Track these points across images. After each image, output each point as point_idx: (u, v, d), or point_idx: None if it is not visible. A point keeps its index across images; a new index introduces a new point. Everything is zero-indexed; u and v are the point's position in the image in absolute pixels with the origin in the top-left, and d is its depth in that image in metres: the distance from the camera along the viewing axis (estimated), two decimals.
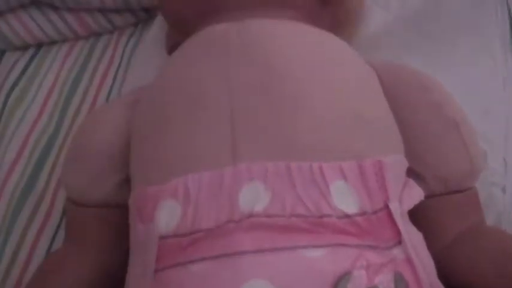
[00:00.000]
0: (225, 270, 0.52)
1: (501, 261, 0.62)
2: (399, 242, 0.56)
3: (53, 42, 1.15)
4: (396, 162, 0.62)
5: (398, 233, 0.57)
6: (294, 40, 0.69)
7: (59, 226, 0.87)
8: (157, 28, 1.04)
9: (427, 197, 0.64)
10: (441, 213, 0.68)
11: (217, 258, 0.53)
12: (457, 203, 0.69)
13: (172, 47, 0.84)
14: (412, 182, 0.63)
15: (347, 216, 0.55)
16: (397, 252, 0.56)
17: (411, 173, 0.65)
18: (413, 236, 0.59)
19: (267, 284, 0.50)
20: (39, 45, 1.15)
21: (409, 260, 0.55)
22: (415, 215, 0.62)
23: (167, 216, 0.57)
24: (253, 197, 0.55)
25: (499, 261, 0.63)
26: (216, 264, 0.53)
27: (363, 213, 0.56)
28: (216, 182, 0.57)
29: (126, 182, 0.70)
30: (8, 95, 1.05)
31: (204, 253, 0.54)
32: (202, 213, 0.56)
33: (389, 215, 0.57)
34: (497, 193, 0.79)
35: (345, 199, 0.56)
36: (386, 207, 0.57)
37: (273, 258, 0.52)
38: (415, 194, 0.62)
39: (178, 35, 0.80)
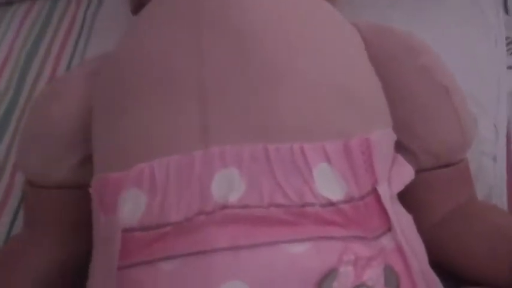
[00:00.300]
0: (197, 270, 0.48)
1: (493, 242, 0.60)
2: (388, 229, 0.52)
3: (9, 3, 1.09)
4: (385, 138, 0.57)
5: (387, 219, 0.52)
6: (272, 4, 0.62)
7: (18, 208, 0.82)
8: None
9: (415, 172, 0.59)
10: (431, 190, 0.64)
11: (188, 257, 0.48)
12: (448, 177, 0.65)
13: (137, 6, 0.78)
14: (401, 159, 0.59)
15: (331, 203, 0.51)
16: (386, 241, 0.52)
17: (398, 145, 0.61)
18: (402, 220, 0.55)
19: (244, 286, 0.46)
20: None
21: (399, 249, 0.52)
22: (403, 192, 0.57)
23: (131, 206, 0.52)
24: (227, 185, 0.51)
25: (490, 242, 0.60)
26: (187, 264, 0.48)
27: (349, 200, 0.51)
28: (185, 168, 0.52)
29: (88, 160, 0.65)
30: None
31: (172, 250, 0.49)
32: (171, 204, 0.51)
33: (378, 199, 0.53)
34: (488, 163, 0.76)
35: (329, 184, 0.51)
36: (375, 190, 0.53)
37: (250, 256, 0.48)
38: (405, 173, 0.58)
39: None
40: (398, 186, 0.56)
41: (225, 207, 0.49)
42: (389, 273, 0.49)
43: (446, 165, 0.64)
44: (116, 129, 0.59)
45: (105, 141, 0.60)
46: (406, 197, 0.58)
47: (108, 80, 0.64)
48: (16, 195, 0.82)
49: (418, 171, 0.61)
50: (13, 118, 0.91)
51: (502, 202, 0.73)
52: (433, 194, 0.64)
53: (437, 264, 0.56)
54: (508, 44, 0.87)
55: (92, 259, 0.57)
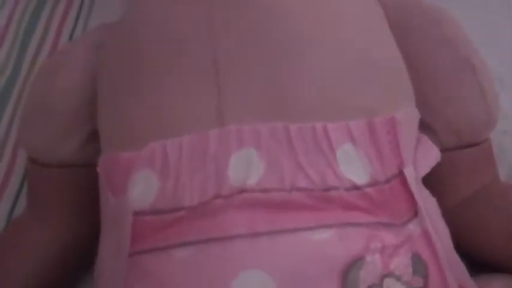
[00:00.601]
0: (214, 259, 0.45)
1: None
2: (415, 214, 0.50)
3: None
4: (410, 117, 0.55)
5: (413, 203, 0.50)
6: None
7: (20, 188, 0.80)
8: None
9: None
10: (453, 170, 0.62)
11: (204, 244, 0.46)
12: (471, 158, 0.63)
13: None
14: (426, 140, 0.56)
15: (356, 187, 0.48)
16: (413, 227, 0.49)
17: (419, 124, 0.59)
18: (428, 205, 0.52)
19: (264, 275, 0.44)
20: None
21: (426, 235, 0.49)
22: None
23: (143, 188, 0.50)
24: (245, 167, 0.48)
25: None
26: (202, 252, 0.46)
27: (374, 183, 0.49)
28: (199, 148, 0.49)
29: (94, 138, 0.63)
30: None
31: (187, 236, 0.47)
32: (184, 187, 0.48)
33: (404, 182, 0.50)
34: (509, 143, 0.74)
35: (354, 166, 0.49)
36: (401, 173, 0.50)
37: (271, 243, 0.45)
38: (431, 155, 0.56)
39: None
40: (424, 169, 0.54)
41: (243, 190, 0.47)
42: (418, 262, 0.47)
43: (470, 145, 0.62)
44: (126, 106, 0.56)
45: (114, 119, 0.58)
46: (427, 178, 0.55)
47: (114, 54, 0.61)
48: (18, 174, 0.81)
49: (441, 151, 0.58)
50: (13, 93, 0.89)
51: None
52: (456, 175, 0.62)
53: (458, 247, 0.54)
54: None
55: (100, 242, 0.54)
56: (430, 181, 0.55)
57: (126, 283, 0.48)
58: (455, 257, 0.51)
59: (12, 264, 0.64)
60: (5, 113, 0.86)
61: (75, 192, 0.66)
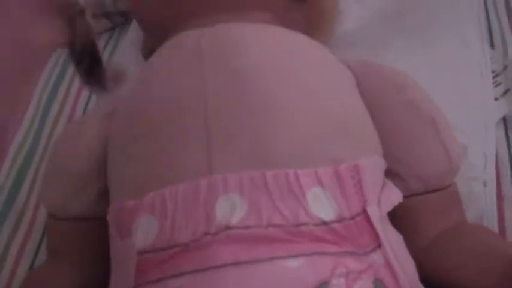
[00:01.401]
0: (202, 284, 0.52)
1: (485, 262, 0.62)
2: (378, 246, 0.56)
3: None
4: (374, 164, 0.62)
5: (377, 237, 0.56)
6: (267, 44, 0.68)
7: (41, 241, 0.86)
8: (134, 32, 1.05)
9: (406, 196, 0.64)
10: (421, 213, 0.67)
11: (196, 273, 0.52)
12: (437, 201, 0.68)
13: (147, 53, 0.84)
14: (390, 184, 0.63)
15: (324, 223, 0.55)
16: (376, 257, 0.55)
17: (389, 172, 0.65)
18: (392, 239, 0.58)
19: None
20: None
21: (388, 264, 0.55)
22: (395, 215, 0.61)
23: (145, 231, 0.57)
24: (230, 209, 0.55)
25: (483, 261, 0.63)
26: (194, 279, 0.52)
27: (340, 220, 0.55)
28: (191, 194, 0.56)
29: (105, 194, 0.70)
30: None
31: (181, 268, 0.53)
32: (180, 227, 0.55)
33: (368, 219, 0.56)
34: (478, 188, 0.79)
35: (322, 206, 0.55)
36: (364, 211, 0.57)
37: (252, 270, 0.52)
38: (394, 196, 0.62)
39: (152, 41, 0.80)
40: (387, 207, 0.60)
41: (228, 227, 0.54)
42: (379, 286, 0.53)
43: (436, 190, 0.68)
44: (129, 161, 0.64)
45: (120, 173, 0.65)
46: (398, 222, 0.62)
47: (122, 120, 0.69)
48: (39, 228, 0.87)
49: (409, 196, 0.65)
50: (36, 156, 0.96)
51: (493, 226, 0.76)
52: (424, 216, 0.67)
53: (429, 283, 0.59)
54: (494, 77, 0.91)
55: (110, 281, 0.61)
56: (401, 225, 0.62)
57: None
58: (420, 286, 0.57)
59: None
60: (27, 176, 0.94)
61: (89, 242, 0.72)
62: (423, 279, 0.59)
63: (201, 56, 0.66)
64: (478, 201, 0.78)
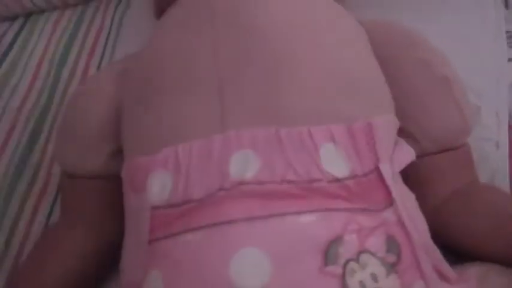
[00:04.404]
0: (217, 240, 0.52)
1: (495, 222, 0.63)
2: (391, 204, 0.56)
3: (41, 11, 1.14)
4: (387, 123, 0.62)
5: (389, 194, 0.56)
6: (283, 2, 0.68)
7: (56, 198, 0.87)
8: None
9: (419, 156, 0.64)
10: (433, 172, 0.68)
11: (209, 228, 0.53)
12: (450, 161, 0.68)
13: (159, 11, 0.84)
14: (403, 142, 0.63)
15: (337, 179, 0.55)
16: (388, 214, 0.56)
17: (402, 131, 0.65)
18: (405, 197, 0.59)
19: (259, 252, 0.51)
20: (27, 15, 1.14)
21: (400, 222, 0.55)
22: (408, 175, 0.61)
23: (159, 186, 0.57)
24: (243, 165, 0.55)
25: (493, 222, 0.63)
26: (208, 234, 0.53)
27: (353, 176, 0.56)
28: (205, 151, 0.57)
29: (119, 152, 0.71)
30: None
31: (195, 223, 0.54)
32: (194, 183, 0.56)
33: (380, 176, 0.57)
34: (491, 149, 0.79)
35: (334, 162, 0.56)
36: (377, 169, 0.57)
37: (264, 225, 0.52)
38: (407, 154, 0.62)
39: (163, 1, 0.80)
40: (400, 166, 0.60)
41: (241, 183, 0.54)
42: (391, 242, 0.53)
43: (448, 150, 0.68)
44: (143, 119, 0.64)
45: (134, 131, 0.66)
46: (411, 180, 0.62)
47: (135, 77, 0.70)
48: (54, 185, 0.88)
49: (421, 156, 0.65)
50: (49, 114, 0.97)
51: (504, 186, 0.75)
52: (436, 176, 0.68)
53: (439, 241, 0.59)
54: (508, 38, 0.90)
55: (124, 237, 0.62)
56: (413, 184, 0.62)
57: (147, 265, 0.55)
58: (431, 244, 0.58)
59: (51, 264, 0.70)
60: (42, 135, 0.94)
61: (101, 200, 0.73)
62: (433, 238, 0.59)
63: (213, 13, 0.66)
64: (490, 162, 0.78)
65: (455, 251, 0.64)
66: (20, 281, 0.71)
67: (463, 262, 0.63)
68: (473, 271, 0.61)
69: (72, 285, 0.70)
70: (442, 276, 0.57)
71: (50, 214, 0.85)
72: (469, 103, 0.70)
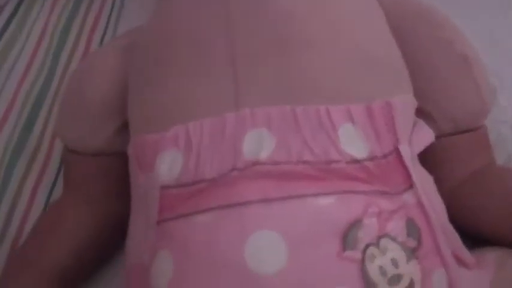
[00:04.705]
0: (230, 221, 0.50)
1: (508, 205, 0.62)
2: (410, 186, 0.55)
3: None
4: (405, 103, 0.60)
5: (408, 177, 0.55)
6: None
7: (57, 175, 0.85)
8: None
9: (436, 137, 0.62)
10: (451, 154, 0.67)
11: (222, 209, 0.51)
12: (467, 142, 0.68)
13: None
14: (422, 123, 0.61)
15: (356, 161, 0.53)
16: (408, 197, 0.54)
17: (419, 112, 0.64)
18: (424, 180, 0.57)
19: (275, 235, 0.49)
20: None
21: (420, 204, 0.54)
22: (424, 155, 0.60)
23: (168, 165, 0.55)
24: (258, 144, 0.53)
25: (507, 202, 0.62)
26: (221, 216, 0.51)
27: (372, 158, 0.54)
28: (218, 129, 0.55)
29: (124, 129, 0.69)
30: None
31: (207, 204, 0.52)
32: (205, 162, 0.54)
33: (400, 158, 0.55)
34: (507, 131, 0.79)
35: (353, 143, 0.54)
36: (396, 150, 0.55)
37: (280, 207, 0.50)
38: (426, 136, 0.60)
39: None
40: (419, 147, 0.58)
41: (256, 163, 0.52)
42: (411, 226, 0.52)
43: (466, 131, 0.67)
44: (152, 95, 0.62)
45: (142, 108, 0.63)
46: (427, 161, 0.60)
47: (142, 52, 0.67)
48: (55, 162, 0.86)
49: (439, 137, 0.64)
50: (50, 92, 0.95)
51: None
52: (453, 157, 0.67)
53: (456, 224, 0.58)
54: None
55: (130, 217, 0.60)
56: (430, 165, 0.60)
57: (155, 247, 0.53)
58: (450, 228, 0.56)
59: (51, 246, 0.68)
60: (43, 109, 0.92)
61: (106, 178, 0.72)
62: (450, 222, 0.58)
63: None
64: (506, 144, 0.77)
65: (472, 236, 0.63)
66: (21, 260, 0.69)
67: (479, 247, 0.62)
68: (491, 256, 0.60)
69: (74, 265, 0.68)
70: (460, 262, 0.55)
71: (51, 191, 0.84)
72: (488, 84, 0.68)
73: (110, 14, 1.04)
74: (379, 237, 0.50)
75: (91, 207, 0.70)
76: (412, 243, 0.51)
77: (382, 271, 0.49)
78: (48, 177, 0.85)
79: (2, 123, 0.91)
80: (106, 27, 1.02)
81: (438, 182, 0.60)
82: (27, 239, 0.71)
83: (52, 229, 0.70)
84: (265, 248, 0.48)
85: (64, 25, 1.04)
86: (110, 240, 0.72)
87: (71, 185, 0.74)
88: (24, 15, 1.06)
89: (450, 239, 0.55)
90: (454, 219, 0.58)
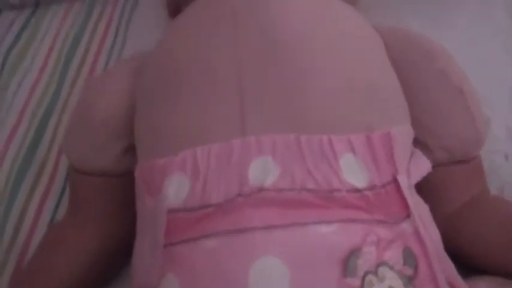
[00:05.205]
0: (236, 247, 0.52)
1: (505, 233, 0.63)
2: (407, 216, 0.56)
3: (50, 1, 1.14)
4: (404, 133, 0.62)
5: (406, 206, 0.57)
6: (303, 9, 0.68)
7: (62, 193, 0.86)
8: None
9: (432, 166, 0.64)
10: (446, 183, 0.68)
11: (228, 235, 0.53)
12: (462, 172, 0.69)
13: (174, 10, 0.84)
14: (419, 153, 0.63)
15: (357, 190, 0.55)
16: (405, 226, 0.56)
17: (416, 141, 0.65)
18: (420, 209, 0.59)
19: (278, 261, 0.51)
20: (36, 4, 1.14)
21: (417, 233, 0.56)
22: (420, 184, 0.62)
23: (176, 189, 0.57)
24: (263, 171, 0.55)
25: (503, 232, 0.64)
26: (227, 241, 0.53)
27: (372, 187, 0.56)
28: (225, 154, 0.57)
29: (130, 150, 0.71)
30: (5, 57, 1.05)
31: (213, 229, 0.54)
32: (212, 187, 0.56)
33: (398, 188, 0.57)
34: (500, 161, 0.80)
35: (354, 172, 0.56)
36: (395, 180, 0.57)
37: (284, 234, 0.52)
38: (423, 166, 0.62)
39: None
40: (416, 178, 0.60)
41: (261, 189, 0.54)
42: (408, 254, 0.54)
43: (461, 161, 0.68)
44: (160, 119, 0.64)
45: (150, 131, 0.65)
46: (423, 191, 0.62)
47: (151, 76, 0.69)
48: (60, 181, 0.87)
49: (434, 167, 0.65)
50: (56, 109, 0.96)
51: None
52: (448, 187, 0.68)
53: (450, 253, 0.59)
54: None
55: (136, 238, 0.62)
56: (425, 194, 0.62)
57: (163, 269, 0.55)
58: (445, 256, 0.58)
59: (52, 265, 0.70)
60: (49, 126, 0.94)
61: (112, 198, 0.73)
62: (445, 248, 0.59)
63: (233, 15, 0.66)
64: (499, 174, 0.78)
65: (465, 265, 0.64)
66: (27, 279, 0.71)
67: (472, 276, 0.63)
68: (484, 285, 0.61)
69: (78, 286, 0.70)
70: None
71: (55, 210, 0.85)
72: (483, 115, 0.70)
73: (117, 32, 1.06)
74: (378, 265, 0.52)
75: (95, 226, 0.72)
76: (408, 271, 0.53)
77: None
78: (54, 193, 0.86)
79: (11, 136, 0.94)
80: (113, 45, 1.05)
81: (433, 210, 0.62)
82: (32, 259, 0.73)
83: (55, 250, 0.72)
84: (269, 274, 0.50)
85: (72, 41, 1.06)
86: (114, 260, 0.73)
87: (75, 204, 0.75)
88: (33, 30, 1.09)
89: (445, 267, 0.56)
90: (449, 248, 0.60)
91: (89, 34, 1.07)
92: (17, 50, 1.05)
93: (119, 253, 0.71)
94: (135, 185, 0.64)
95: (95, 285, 0.72)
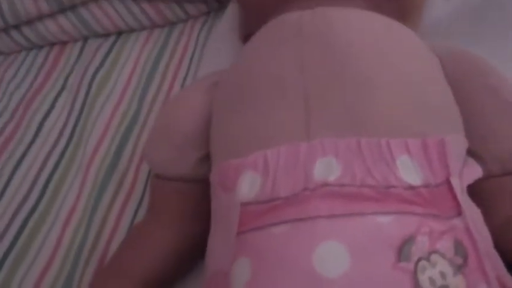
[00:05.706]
0: (302, 233, 0.58)
1: None
2: (459, 213, 0.61)
3: (131, 30, 1.24)
4: (457, 141, 0.66)
5: (458, 205, 0.61)
6: (364, 26, 0.74)
7: (141, 200, 0.94)
8: (229, 16, 1.11)
9: (484, 178, 0.68)
10: (497, 194, 0.71)
11: (295, 222, 0.59)
12: None
13: (246, 35, 0.91)
14: (471, 160, 0.68)
15: (412, 187, 0.60)
16: (457, 222, 0.60)
17: (469, 153, 0.69)
18: (472, 210, 0.63)
19: (339, 245, 0.56)
20: (119, 33, 1.24)
21: (467, 230, 0.60)
22: (472, 195, 0.65)
23: (248, 185, 0.63)
24: (327, 170, 0.61)
25: None
26: (294, 227, 0.59)
27: (426, 185, 0.60)
28: (292, 156, 0.63)
29: (205, 159, 0.78)
30: (92, 79, 1.14)
31: (282, 217, 0.60)
32: (280, 183, 0.62)
33: (451, 189, 0.61)
34: None
35: (409, 173, 0.61)
36: (448, 182, 0.61)
37: (345, 222, 0.58)
38: (475, 171, 0.66)
39: (252, 24, 0.86)
40: (469, 180, 0.64)
41: (325, 184, 0.60)
42: (459, 245, 0.58)
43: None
44: (233, 127, 0.71)
45: (224, 138, 0.72)
46: (475, 201, 0.65)
47: (226, 90, 0.76)
48: (139, 189, 0.95)
49: (487, 178, 0.69)
50: (135, 128, 1.05)
51: None
52: (500, 198, 0.71)
53: (502, 256, 0.63)
54: None
55: (210, 232, 0.69)
56: (478, 203, 0.66)
57: (235, 255, 0.61)
58: (495, 254, 0.62)
59: (134, 263, 0.77)
60: (129, 141, 1.02)
61: (189, 202, 0.79)
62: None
63: (301, 34, 0.72)
64: None
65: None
66: (108, 270, 0.79)
67: None
68: None
69: (157, 278, 0.77)
70: (503, 287, 0.60)
71: (135, 215, 0.92)
72: None
73: (191, 59, 1.14)
74: (430, 253, 0.57)
75: (173, 227, 0.78)
76: (459, 260, 0.57)
77: (432, 281, 0.55)
78: (134, 200, 0.94)
79: (96, 150, 1.02)
80: (187, 70, 1.12)
81: (486, 220, 0.65)
82: (114, 255, 0.80)
83: (136, 247, 0.79)
84: (331, 256, 0.56)
85: (151, 67, 1.15)
86: (187, 260, 0.80)
87: (155, 206, 0.82)
88: (116, 55, 1.18)
89: (494, 264, 0.60)
90: (501, 253, 0.63)
91: (167, 59, 1.15)
92: (103, 73, 1.14)
93: (193, 251, 0.78)
94: (210, 187, 0.71)
95: (172, 279, 0.79)
